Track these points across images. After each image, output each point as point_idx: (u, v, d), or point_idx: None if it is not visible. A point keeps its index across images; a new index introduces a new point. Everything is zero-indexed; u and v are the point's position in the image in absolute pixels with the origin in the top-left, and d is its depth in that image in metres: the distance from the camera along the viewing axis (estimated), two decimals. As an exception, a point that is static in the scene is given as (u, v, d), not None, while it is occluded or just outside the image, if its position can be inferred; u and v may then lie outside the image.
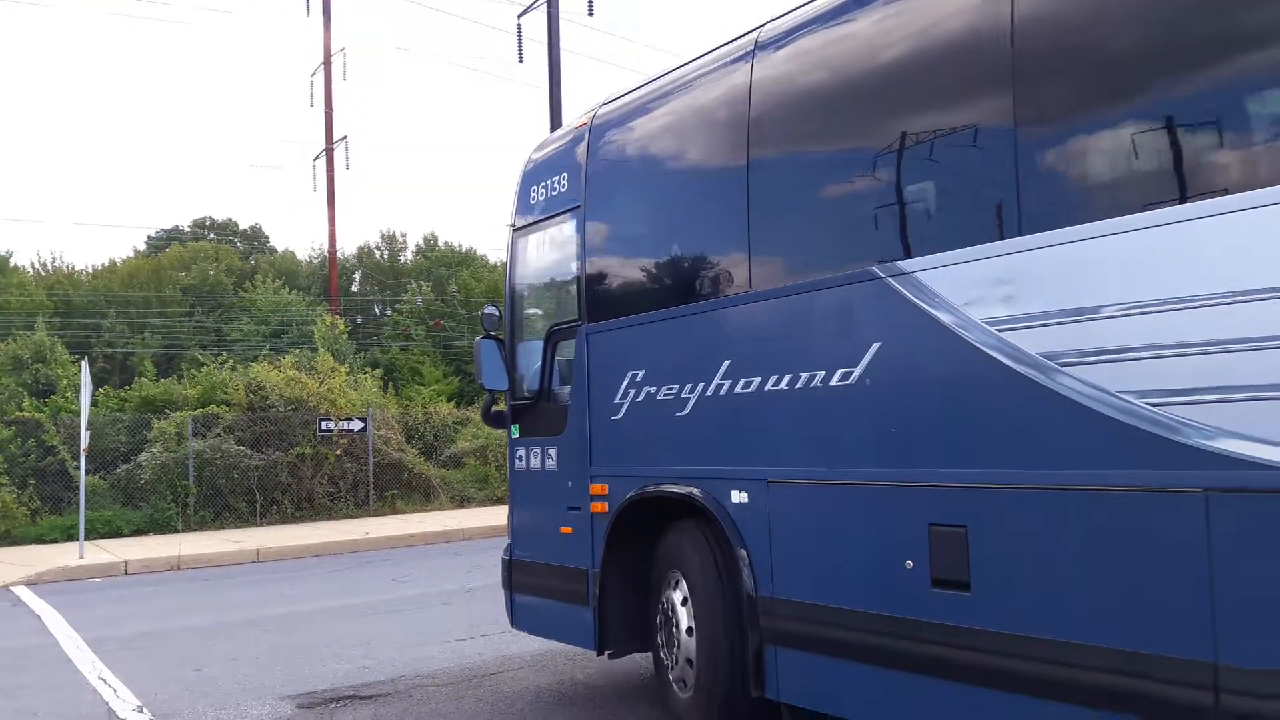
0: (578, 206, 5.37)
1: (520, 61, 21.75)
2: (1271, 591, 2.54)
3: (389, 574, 11.51)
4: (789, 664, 4.13)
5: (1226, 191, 2.66)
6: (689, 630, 4.68)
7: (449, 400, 24.84)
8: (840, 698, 3.91)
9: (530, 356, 5.83)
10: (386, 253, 44.41)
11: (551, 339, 5.56)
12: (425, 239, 43.42)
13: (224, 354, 21.95)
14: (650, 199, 5.08)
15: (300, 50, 79.50)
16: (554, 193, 5.62)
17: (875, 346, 3.58)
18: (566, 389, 5.45)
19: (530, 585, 5.75)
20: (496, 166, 73.88)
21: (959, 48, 3.48)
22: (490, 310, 6.08)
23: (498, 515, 15.20)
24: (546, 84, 18.09)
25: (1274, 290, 2.48)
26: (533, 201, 5.83)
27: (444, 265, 40.13)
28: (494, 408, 6.17)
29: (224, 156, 73.06)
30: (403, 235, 45.26)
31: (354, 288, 42.22)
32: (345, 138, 26.16)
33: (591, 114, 5.56)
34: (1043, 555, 3.10)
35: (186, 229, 47.11)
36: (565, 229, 5.51)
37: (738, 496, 4.34)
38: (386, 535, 14.55)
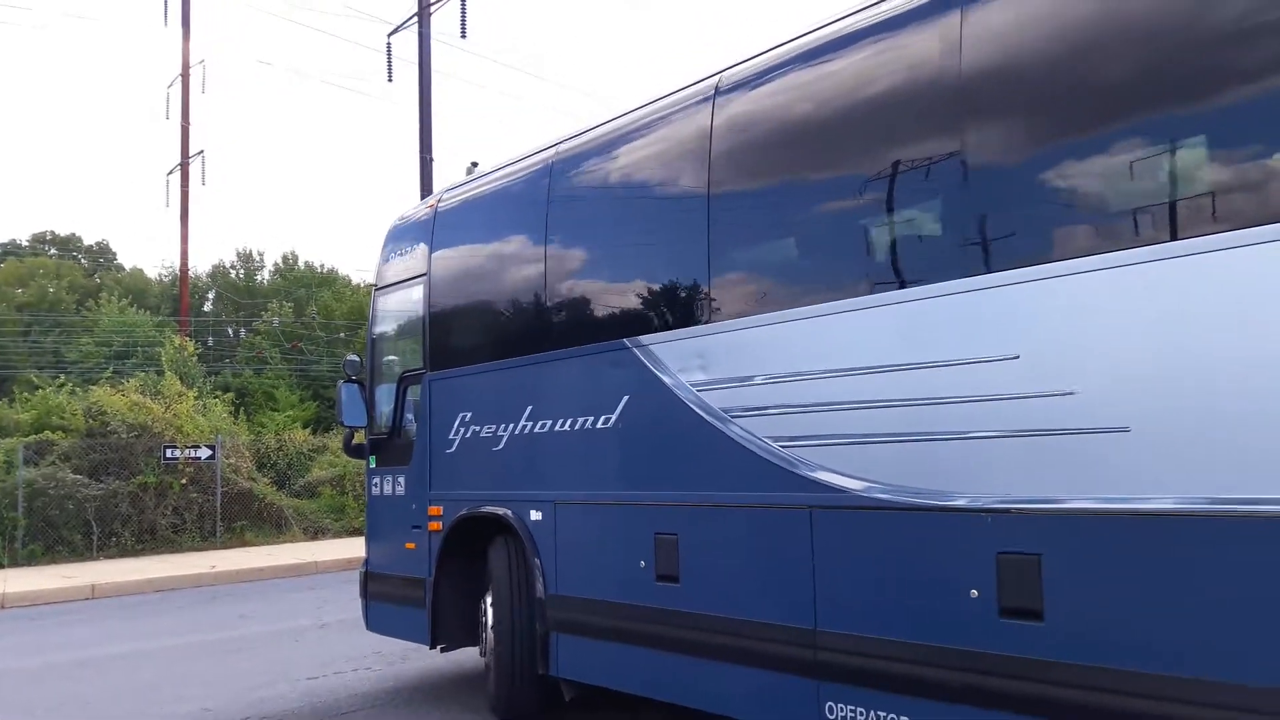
0: (424, 275, 6.97)
1: (390, 80, 22.54)
2: (851, 575, 4.24)
3: (236, 609, 11.77)
4: (566, 646, 5.73)
5: (814, 302, 4.39)
6: (495, 624, 6.20)
7: (305, 427, 25.29)
8: (599, 670, 5.56)
9: (386, 398, 7.45)
10: (243, 272, 44.55)
11: (403, 383, 7.18)
12: (284, 258, 43.86)
13: (62, 376, 22.10)
14: (477, 274, 6.74)
15: (158, 60, 78.36)
16: (407, 261, 7.25)
17: (625, 398, 5.26)
18: (414, 426, 7.00)
19: (381, 593, 7.32)
20: (362, 186, 74.54)
21: (632, 194, 5.23)
22: (352, 358, 7.69)
23: (354, 547, 16.07)
24: (417, 104, 18.99)
25: (841, 371, 4.21)
26: (391, 267, 7.50)
27: (304, 286, 40.63)
28: (354, 441, 7.75)
29: (71, 168, 71.06)
30: (260, 254, 45.64)
31: (207, 307, 42.19)
32: (202, 152, 26.80)
33: (438, 198, 7.25)
34: (723, 553, 4.78)
35: (25, 243, 46.03)
36: (415, 292, 7.09)
37: (535, 515, 5.93)
38: (234, 569, 15.06)
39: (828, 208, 4.53)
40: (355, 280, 41.63)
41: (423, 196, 17.35)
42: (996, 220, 3.83)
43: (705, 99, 5.10)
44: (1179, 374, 3.22)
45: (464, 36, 20.16)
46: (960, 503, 3.78)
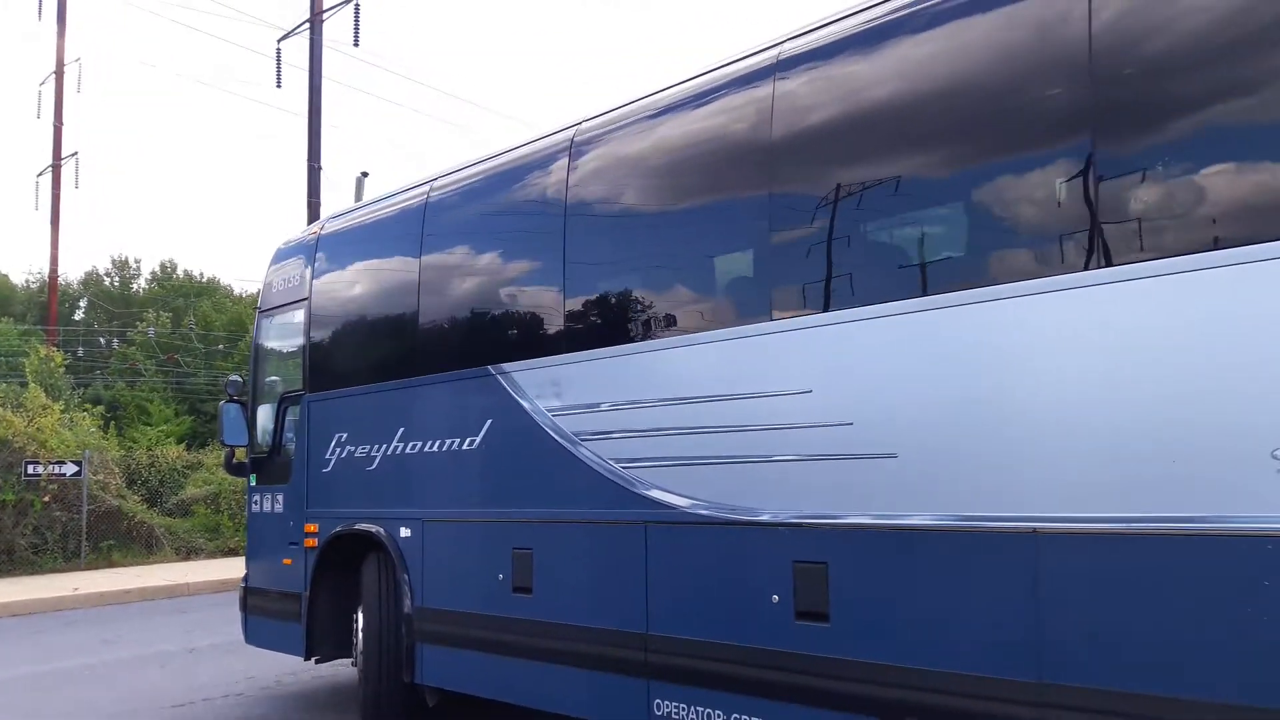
0: (305, 299, 7.50)
1: (279, 86, 22.23)
2: (677, 583, 4.93)
3: (99, 634, 11.59)
4: (430, 656, 6.30)
5: (652, 338, 5.12)
6: (365, 636, 6.72)
7: (179, 442, 25.02)
8: (461, 677, 6.17)
9: (267, 417, 7.98)
10: (117, 279, 43.50)
11: (283, 404, 7.71)
12: (162, 266, 43.08)
13: (-87, 387, 21.42)
14: (355, 300, 7.31)
15: (32, 56, 75.68)
16: (290, 286, 7.78)
17: (489, 422, 5.88)
18: (293, 445, 7.51)
19: (259, 607, 7.84)
20: (248, 193, 73.25)
21: (497, 232, 5.94)
22: (235, 378, 8.28)
23: (229, 568, 16.12)
24: (306, 111, 19.07)
25: (673, 400, 4.92)
26: (274, 290, 8.03)
27: (182, 295, 39.95)
28: (235, 459, 8.29)
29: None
30: (137, 261, 44.72)
31: (78, 316, 41.04)
32: (76, 154, 26.40)
33: (321, 225, 7.82)
34: (571, 566, 5.44)
35: (-126, 249, 43.97)
36: (296, 316, 7.62)
37: (405, 532, 6.49)
38: (99, 591, 14.88)
39: (660, 255, 5.29)
40: (237, 290, 41.09)
41: (310, 204, 17.60)
42: (791, 272, 4.62)
43: (563, 149, 5.79)
44: (936, 409, 4.01)
45: (356, 44, 20.41)
46: (765, 517, 4.52)
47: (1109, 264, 3.57)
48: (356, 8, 19.71)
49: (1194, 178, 3.48)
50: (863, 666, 4.16)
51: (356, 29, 19.99)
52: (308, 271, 7.64)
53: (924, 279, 4.17)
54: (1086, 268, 3.62)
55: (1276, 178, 3.27)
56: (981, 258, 4.08)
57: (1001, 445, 3.79)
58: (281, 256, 8.16)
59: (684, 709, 4.83)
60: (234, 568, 16.04)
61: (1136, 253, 3.53)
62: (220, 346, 35.23)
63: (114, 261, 43.67)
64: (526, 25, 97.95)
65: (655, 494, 5.01)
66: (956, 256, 4.17)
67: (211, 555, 19.31)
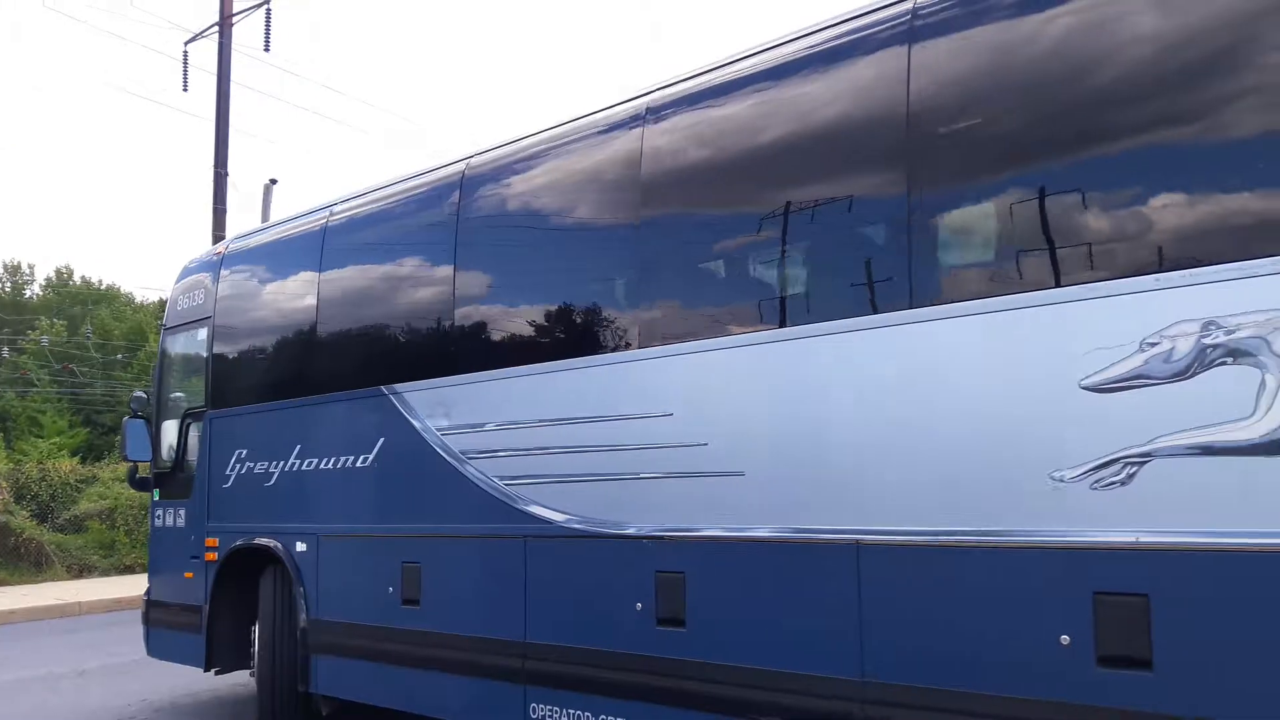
0: (209, 318, 7.85)
1: (185, 90, 21.99)
2: (553, 593, 5.41)
3: None
4: (325, 667, 6.71)
5: (534, 361, 5.61)
6: (262, 647, 7.06)
7: (74, 455, 24.63)
8: (354, 686, 6.59)
9: (170, 433, 8.34)
10: (9, 285, 42.44)
11: (186, 420, 8.09)
12: (58, 272, 42.17)
13: None
14: (256, 319, 7.73)
15: None
16: (194, 303, 8.16)
17: (381, 440, 6.31)
18: (195, 461, 7.86)
19: (161, 620, 8.19)
20: (150, 199, 71.84)
21: (393, 258, 6.45)
22: (139, 394, 8.65)
23: (124, 586, 15.98)
24: (214, 116, 18.92)
25: (552, 420, 5.41)
26: (179, 308, 8.42)
27: (79, 303, 39.13)
28: (138, 475, 8.63)
29: None
30: (31, 267, 43.71)
31: (-36, 322, 39.86)
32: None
33: (226, 245, 8.23)
34: (457, 578, 5.90)
35: None
36: (200, 333, 8.01)
37: (301, 547, 6.86)
38: None
39: (541, 285, 5.85)
40: (139, 298, 40.36)
41: (216, 211, 17.56)
42: (656, 305, 5.17)
43: (455, 181, 6.29)
44: (776, 433, 4.58)
45: (267, 50, 20.34)
46: (631, 531, 5.04)
47: (912, 306, 4.19)
48: (268, 13, 19.64)
49: (984, 232, 4.15)
50: (716, 668, 4.70)
51: (268, 34, 19.90)
52: (211, 290, 8.01)
53: (765, 315, 4.78)
54: (896, 308, 4.23)
55: (1041, 238, 3.94)
56: (812, 297, 4.70)
57: (829, 466, 4.38)
58: (186, 274, 8.52)
59: (557, 711, 5.32)
60: (130, 585, 16.02)
61: (936, 296, 4.16)
62: (119, 356, 34.59)
63: (6, 267, 42.76)
64: (442, 34, 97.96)
65: (534, 510, 5.50)
66: (792, 295, 4.78)
67: (106, 573, 18.98)
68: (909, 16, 4.41)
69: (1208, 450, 3.41)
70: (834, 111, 4.70)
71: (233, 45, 19.69)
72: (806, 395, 4.49)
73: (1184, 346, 3.47)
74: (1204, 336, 3.43)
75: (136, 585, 15.14)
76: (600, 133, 5.62)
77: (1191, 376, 3.45)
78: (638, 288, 5.24)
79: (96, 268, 73.53)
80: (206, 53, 21.49)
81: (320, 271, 7.10)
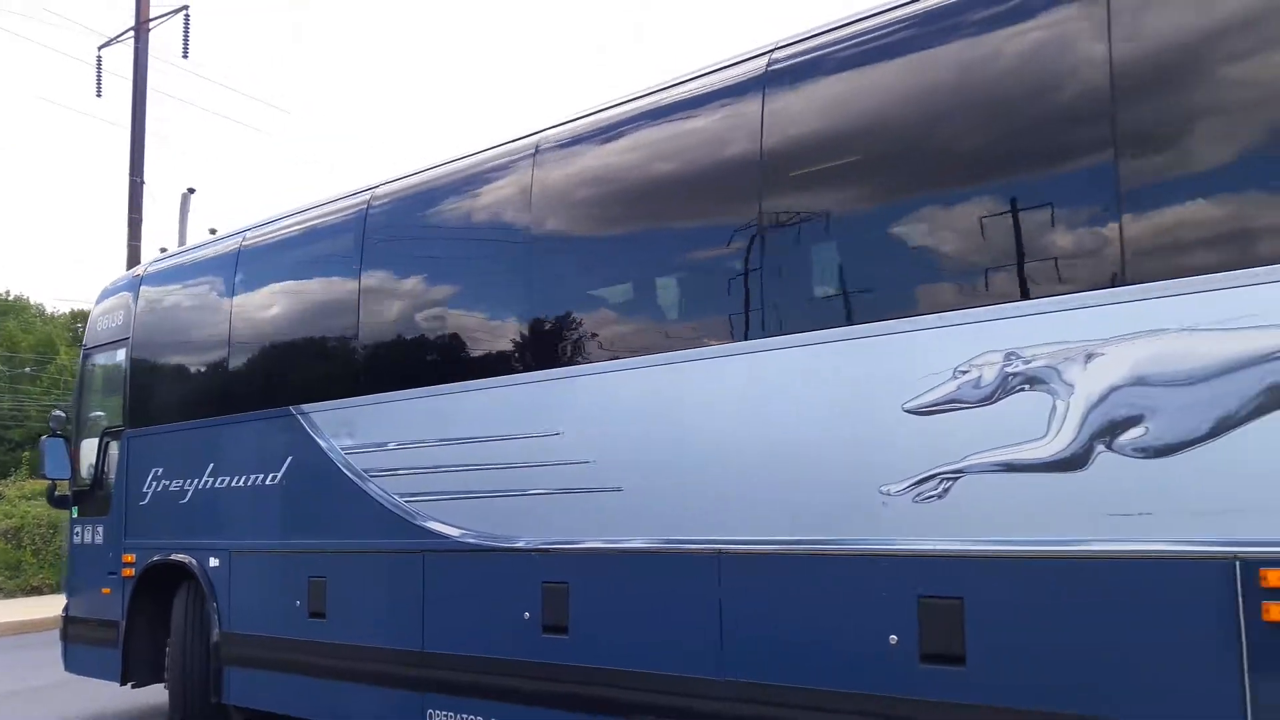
0: (127, 338, 8.07)
1: (99, 96, 21.42)
2: (448, 604, 5.74)
3: None
4: (236, 678, 6.98)
5: (431, 383, 5.94)
6: (175, 660, 7.31)
7: (-22, 472, 24.25)
8: (264, 697, 6.87)
9: (90, 452, 8.56)
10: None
11: (105, 438, 8.31)
12: (-38, 282, 41.47)
13: None
14: (172, 341, 8.01)
15: None
16: (113, 324, 8.41)
17: (290, 459, 6.61)
18: (113, 479, 8.05)
19: (79, 635, 8.41)
20: (65, 208, 70.78)
21: (301, 283, 6.76)
22: (58, 413, 8.86)
23: (32, 608, 15.65)
24: (130, 123, 18.63)
25: (449, 440, 5.74)
26: (99, 328, 8.69)
27: (-17, 314, 38.57)
28: (56, 493, 8.83)
29: None
30: (-68, 276, 42.85)
31: None
32: None
33: (145, 267, 8.53)
34: (360, 591, 6.21)
35: None
36: (119, 354, 8.27)
37: (214, 562, 7.13)
38: None
39: (439, 311, 6.19)
40: (49, 309, 39.79)
41: (131, 220, 17.42)
42: (545, 330, 5.55)
43: (360, 210, 6.63)
44: (649, 450, 4.95)
45: (185, 56, 20.08)
46: (521, 544, 5.39)
47: (765, 335, 4.60)
48: (186, 19, 19.39)
49: (821, 270, 4.59)
50: (596, 672, 5.05)
51: (186, 41, 19.57)
52: (130, 311, 8.26)
53: (639, 342, 5.17)
54: (750, 338, 4.64)
55: (870, 276, 4.41)
56: (679, 326, 5.11)
57: (695, 481, 4.76)
58: (106, 295, 8.77)
59: (453, 716, 5.64)
60: (37, 608, 15.59)
61: (783, 327, 4.57)
62: (27, 369, 33.98)
63: (-94, 276, 41.95)
64: (360, 43, 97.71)
65: (432, 525, 5.82)
66: (661, 325, 5.18)
67: (11, 595, 18.12)
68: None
69: (1010, 467, 3.84)
70: (691, 155, 5.14)
71: (150, 52, 19.39)
72: (675, 417, 4.88)
73: (990, 374, 3.90)
74: (1006, 366, 3.86)
75: (44, 607, 15.01)
76: (495, 168, 5.98)
77: (996, 401, 3.88)
78: (529, 315, 5.59)
79: (4, 279, 72.19)
80: (124, 58, 21.07)
81: (233, 294, 7.39)
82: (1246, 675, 3.33)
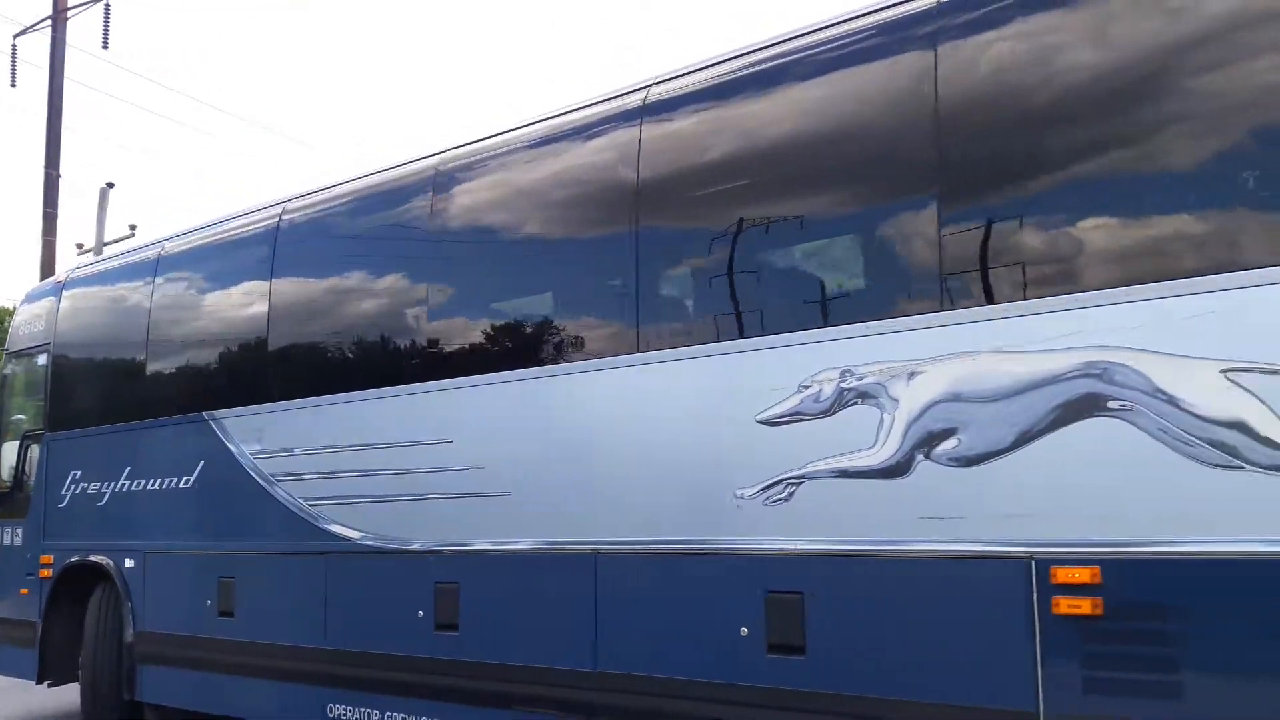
0: (48, 343, 8.29)
1: (13, 86, 21.07)
2: (348, 602, 6.05)
3: None
4: (149, 675, 7.24)
5: (335, 391, 6.25)
6: (89, 658, 7.54)
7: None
8: (176, 693, 7.14)
9: (10, 454, 8.77)
10: None
11: (25, 441, 8.51)
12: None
13: None
14: (92, 347, 8.25)
15: None
16: (35, 329, 8.64)
17: (202, 463, 6.89)
18: (33, 481, 8.27)
19: None
20: None
21: (215, 293, 7.06)
22: None
23: None
24: (46, 114, 18.02)
25: (350, 446, 6.06)
26: (22, 333, 8.92)
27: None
28: None
29: None
30: None
31: None
32: None
33: (67, 274, 8.79)
34: (267, 591, 6.51)
35: None
36: (40, 358, 8.54)
37: (129, 563, 7.37)
38: None
39: (343, 322, 6.52)
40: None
41: (47, 214, 17.21)
42: (438, 342, 5.90)
43: (272, 224, 6.94)
44: (534, 457, 5.31)
45: (105, 47, 19.82)
46: (415, 546, 5.73)
47: (638, 350, 4.98)
48: (107, 8, 18.97)
49: (685, 293, 4.98)
50: (483, 667, 5.40)
51: (106, 31, 19.18)
52: (52, 316, 8.49)
53: (526, 354, 5.54)
54: (622, 353, 5.02)
55: (726, 299, 4.82)
56: (561, 340, 5.48)
57: (575, 485, 5.13)
58: (29, 299, 9.00)
59: (351, 710, 5.96)
60: None
61: (647, 345, 4.95)
62: None
63: None
64: (295, 36, 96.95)
65: (334, 528, 6.14)
66: (545, 339, 5.55)
67: None
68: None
69: (844, 474, 4.25)
70: (572, 180, 5.55)
71: (68, 41, 19.08)
72: (556, 425, 5.25)
73: (828, 390, 4.31)
74: (842, 382, 4.28)
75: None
76: (400, 186, 6.32)
77: (833, 414, 4.29)
78: (424, 327, 5.94)
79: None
80: (41, 48, 20.66)
81: (151, 302, 7.65)
82: (1039, 659, 3.77)
